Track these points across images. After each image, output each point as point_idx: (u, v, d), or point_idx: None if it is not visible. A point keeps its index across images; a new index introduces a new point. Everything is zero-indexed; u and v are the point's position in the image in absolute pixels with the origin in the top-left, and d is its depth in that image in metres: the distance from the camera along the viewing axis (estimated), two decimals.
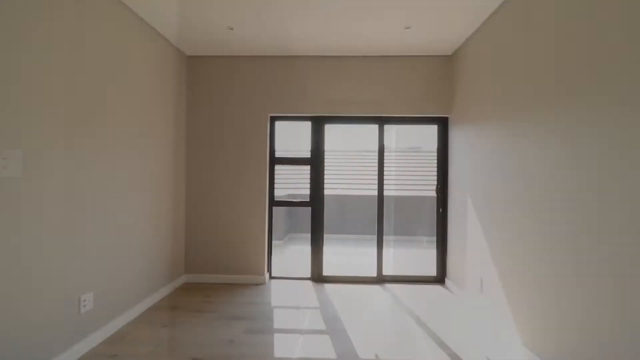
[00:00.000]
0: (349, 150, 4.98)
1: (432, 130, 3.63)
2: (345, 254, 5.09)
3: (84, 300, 2.12)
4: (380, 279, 3.62)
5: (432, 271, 3.67)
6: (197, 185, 3.58)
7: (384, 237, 3.66)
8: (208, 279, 3.55)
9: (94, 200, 2.20)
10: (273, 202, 3.73)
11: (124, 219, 2.53)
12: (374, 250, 3.66)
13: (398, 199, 5.72)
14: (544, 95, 1.93)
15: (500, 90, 2.42)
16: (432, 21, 2.71)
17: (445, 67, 3.44)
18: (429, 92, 3.45)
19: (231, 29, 2.92)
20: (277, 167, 3.73)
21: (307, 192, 3.71)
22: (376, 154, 3.63)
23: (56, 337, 1.92)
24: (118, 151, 2.44)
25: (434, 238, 3.67)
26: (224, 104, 3.56)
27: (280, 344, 2.28)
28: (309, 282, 3.60)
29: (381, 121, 3.60)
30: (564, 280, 1.75)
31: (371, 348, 2.25)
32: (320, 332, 2.48)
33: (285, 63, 3.54)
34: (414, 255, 5.03)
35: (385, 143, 3.66)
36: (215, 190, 3.57)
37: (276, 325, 2.57)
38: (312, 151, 3.66)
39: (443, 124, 3.57)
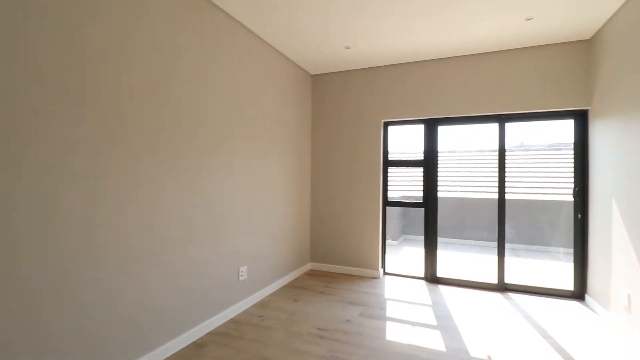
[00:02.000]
0: (465, 151, 4.75)
1: (566, 125, 3.22)
2: (461, 258, 4.88)
3: (241, 271, 2.82)
4: (502, 287, 3.41)
5: (568, 285, 3.25)
6: (320, 185, 4.12)
7: (507, 244, 3.43)
8: (329, 268, 4.04)
9: (245, 195, 2.90)
10: (386, 202, 3.96)
11: (267, 210, 3.20)
12: (493, 257, 3.48)
13: (525, 204, 5.12)
14: None
15: None
16: (560, 6, 2.48)
17: (581, 53, 3.02)
18: (561, 83, 3.09)
19: (347, 48, 3.31)
20: (390, 169, 3.95)
21: (421, 193, 3.79)
22: (496, 153, 3.44)
23: (227, 295, 2.65)
24: (263, 157, 3.12)
25: (570, 248, 3.24)
26: (342, 114, 4.00)
27: (392, 330, 2.51)
28: (422, 282, 3.68)
29: (502, 119, 3.40)
30: None
31: (484, 349, 2.25)
32: (431, 326, 2.59)
33: (397, 71, 3.74)
34: (545, 266, 4.45)
35: (508, 142, 3.43)
36: (335, 190, 4.03)
37: (388, 314, 2.80)
38: (425, 153, 3.73)
39: (580, 118, 3.13)
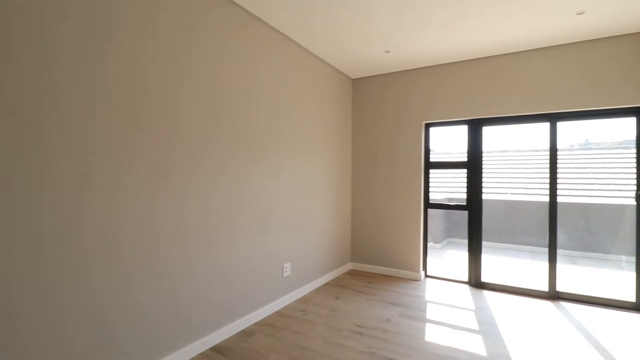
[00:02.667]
0: (514, 151, 4.52)
1: (627, 123, 2.98)
2: (510, 264, 4.66)
3: (285, 268, 3.00)
4: (554, 295, 3.23)
5: (630, 296, 3.00)
6: (360, 187, 4.20)
7: (564, 251, 3.24)
8: (369, 269, 4.11)
9: (288, 196, 3.08)
10: (428, 205, 3.93)
11: (309, 211, 3.36)
12: (543, 263, 3.30)
13: (579, 207, 4.74)
14: None
15: None
16: None
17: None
18: (618, 78, 2.86)
19: (387, 52, 3.36)
20: (432, 170, 3.91)
21: (465, 195, 3.72)
22: (546, 153, 3.28)
23: (272, 289, 2.84)
24: (305, 160, 3.29)
25: (632, 256, 2.98)
26: (382, 116, 4.04)
27: (431, 332, 2.52)
28: (466, 286, 3.60)
29: (553, 118, 3.23)
30: None
31: (529, 356, 2.19)
32: (473, 331, 2.56)
33: (439, 71, 3.70)
34: (605, 275, 4.10)
35: (570, 140, 3.25)
36: (375, 192, 4.09)
37: (428, 316, 2.81)
38: (468, 154, 3.65)
39: None
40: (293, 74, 3.11)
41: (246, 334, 2.45)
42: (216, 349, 2.23)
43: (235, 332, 2.45)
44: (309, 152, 3.36)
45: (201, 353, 2.17)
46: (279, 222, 2.93)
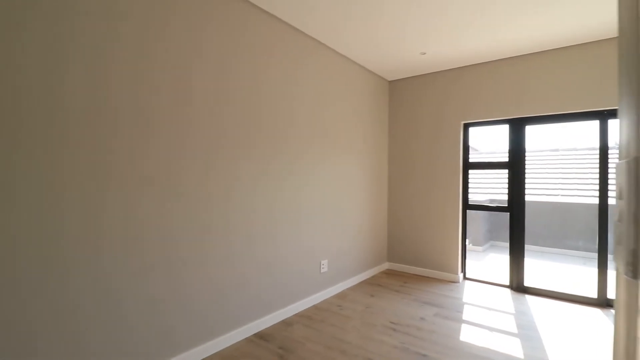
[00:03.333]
0: (561, 150, 4.26)
1: None
2: (557, 269, 4.43)
3: (323, 264, 3.15)
4: (603, 302, 3.06)
5: None
6: (397, 187, 4.24)
7: (611, 255, 3.06)
8: (406, 269, 4.14)
9: (325, 196, 3.22)
10: (467, 206, 3.87)
11: (346, 210, 3.49)
12: (593, 269, 3.13)
13: None
14: None
15: None
16: None
17: None
18: None
19: (423, 54, 3.39)
20: (471, 171, 3.85)
21: (506, 197, 3.62)
22: (596, 152, 3.11)
23: (310, 284, 3.01)
24: (342, 161, 3.42)
25: None
26: (419, 117, 4.05)
27: (467, 332, 2.53)
28: (507, 290, 3.51)
29: (603, 115, 3.06)
30: None
31: None
32: (511, 334, 2.53)
33: (478, 71, 3.64)
34: None
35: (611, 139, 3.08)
36: (412, 192, 4.11)
37: (464, 318, 2.81)
38: (510, 153, 3.55)
39: None
40: (329, 78, 3.25)
41: (286, 323, 2.63)
42: (259, 336, 2.43)
43: (276, 322, 2.64)
44: (345, 153, 3.49)
45: (245, 338, 2.39)
46: (316, 220, 3.09)
